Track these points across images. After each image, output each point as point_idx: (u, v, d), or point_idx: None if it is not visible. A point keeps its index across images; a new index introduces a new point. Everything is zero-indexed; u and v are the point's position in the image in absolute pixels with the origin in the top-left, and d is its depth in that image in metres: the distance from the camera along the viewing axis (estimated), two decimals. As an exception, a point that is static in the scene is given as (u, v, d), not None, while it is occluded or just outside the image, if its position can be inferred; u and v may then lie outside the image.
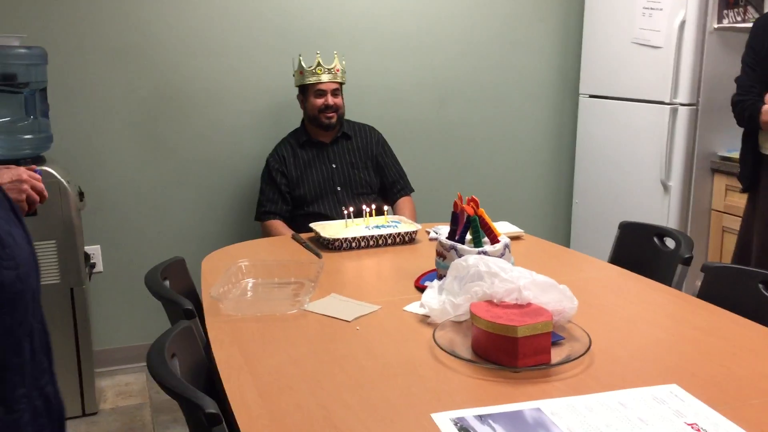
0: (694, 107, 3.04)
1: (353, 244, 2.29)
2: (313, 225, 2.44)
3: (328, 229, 2.39)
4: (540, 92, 3.74)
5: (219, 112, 3.18)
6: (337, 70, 2.91)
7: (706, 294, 1.85)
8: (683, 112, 3.05)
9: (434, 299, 1.63)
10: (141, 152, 3.09)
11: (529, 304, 1.46)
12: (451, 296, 1.58)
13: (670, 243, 2.21)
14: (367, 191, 2.99)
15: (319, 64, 2.88)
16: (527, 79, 3.70)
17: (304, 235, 2.49)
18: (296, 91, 3.04)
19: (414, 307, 1.71)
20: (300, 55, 2.98)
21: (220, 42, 3.13)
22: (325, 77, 2.89)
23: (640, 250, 2.29)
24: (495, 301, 1.48)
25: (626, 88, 3.34)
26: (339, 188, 2.94)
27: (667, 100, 3.07)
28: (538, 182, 3.85)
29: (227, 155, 3.21)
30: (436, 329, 1.51)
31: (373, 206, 2.51)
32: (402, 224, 2.47)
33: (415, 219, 2.95)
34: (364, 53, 3.34)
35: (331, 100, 2.90)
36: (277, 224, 2.89)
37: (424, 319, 1.63)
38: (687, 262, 2.02)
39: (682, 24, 2.97)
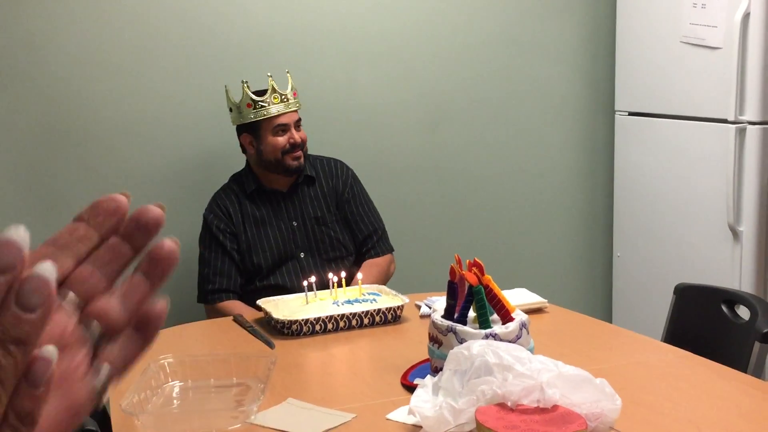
0: (768, 126, 3.11)
1: (317, 327, 2.30)
2: (261, 302, 2.44)
3: (282, 307, 2.40)
4: (563, 111, 3.80)
5: (135, 152, 3.19)
6: (295, 95, 2.91)
7: (794, 381, 1.87)
8: (753, 133, 3.11)
9: (427, 403, 1.63)
10: (21, 210, 3.08)
11: (555, 408, 1.46)
12: (450, 398, 1.58)
13: (743, 312, 2.23)
14: (341, 254, 2.96)
15: (274, 90, 2.85)
16: (546, 95, 3.76)
17: (249, 316, 2.49)
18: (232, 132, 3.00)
19: (400, 415, 1.70)
20: (245, 83, 2.87)
21: (134, 57, 3.16)
22: (283, 106, 2.87)
23: (703, 322, 2.31)
24: (509, 404, 1.48)
25: (676, 103, 3.41)
26: (302, 254, 2.93)
27: (732, 118, 3.13)
28: (565, 232, 3.88)
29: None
30: (430, 445, 1.51)
31: (343, 274, 2.51)
32: (383, 297, 2.48)
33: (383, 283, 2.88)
34: (326, 62, 3.38)
35: (296, 135, 2.88)
36: (235, 306, 2.80)
37: (415, 431, 1.62)
38: (767, 338, 2.04)
39: (746, 17, 3.05)
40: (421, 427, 1.61)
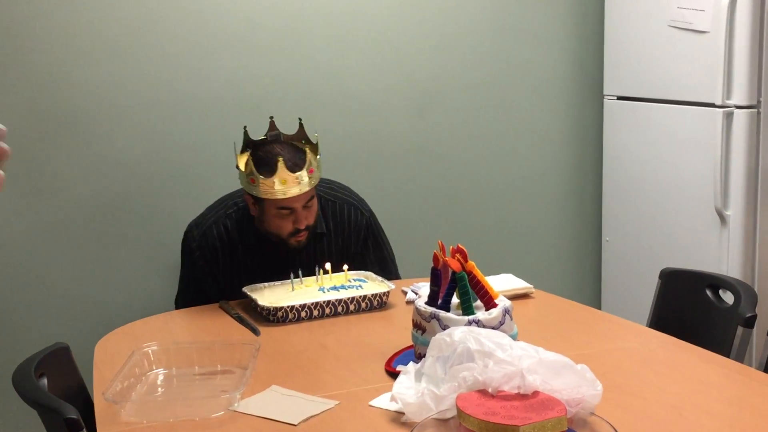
0: (755, 110, 3.10)
1: (303, 314, 2.30)
2: (247, 289, 2.45)
3: (268, 294, 2.40)
4: (552, 95, 3.80)
5: (128, 135, 3.16)
6: (311, 171, 2.45)
7: (776, 366, 1.88)
8: (741, 117, 3.11)
9: (410, 389, 1.63)
10: (10, 192, 3.07)
11: (535, 394, 1.47)
12: (432, 385, 1.59)
13: (728, 297, 2.24)
14: None
15: (281, 173, 2.39)
16: (534, 79, 3.75)
17: (235, 303, 2.49)
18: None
19: (383, 401, 1.71)
20: (246, 140, 2.51)
21: (126, 42, 3.13)
22: (292, 191, 2.41)
23: (688, 307, 2.31)
24: (490, 390, 1.49)
25: (664, 88, 3.41)
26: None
27: (719, 102, 3.13)
28: (554, 217, 3.88)
29: (139, 194, 3.19)
30: (412, 432, 1.51)
31: (328, 265, 2.50)
32: (369, 283, 2.48)
33: None
34: (313, 48, 3.37)
35: (303, 219, 2.48)
36: None
37: (398, 418, 1.62)
38: (749, 323, 2.05)
39: (733, 1, 3.05)
40: (403, 413, 1.61)
